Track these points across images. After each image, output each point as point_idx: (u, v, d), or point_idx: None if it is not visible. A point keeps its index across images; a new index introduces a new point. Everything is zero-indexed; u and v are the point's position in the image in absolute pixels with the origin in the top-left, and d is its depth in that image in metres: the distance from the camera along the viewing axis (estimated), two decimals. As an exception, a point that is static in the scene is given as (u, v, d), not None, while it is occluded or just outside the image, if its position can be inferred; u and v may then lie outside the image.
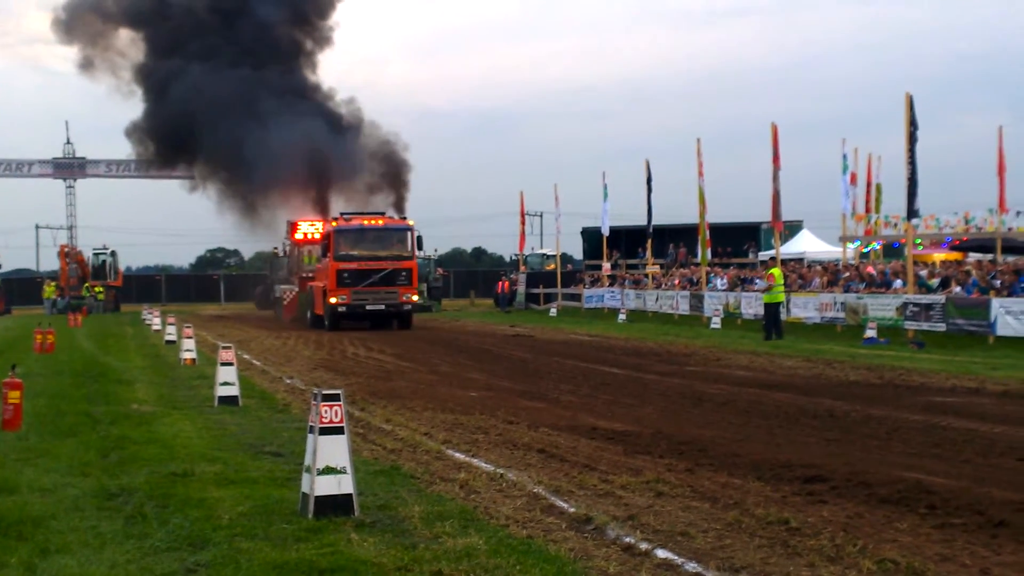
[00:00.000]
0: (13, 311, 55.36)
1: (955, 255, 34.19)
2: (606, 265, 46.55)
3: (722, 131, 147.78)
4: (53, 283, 57.68)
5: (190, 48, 47.07)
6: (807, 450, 10.11)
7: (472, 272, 75.80)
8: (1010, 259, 29.40)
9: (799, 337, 26.04)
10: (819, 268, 34.88)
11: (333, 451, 7.13)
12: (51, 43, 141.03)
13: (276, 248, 49.12)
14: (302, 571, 6.01)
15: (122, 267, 61.38)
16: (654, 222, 41.52)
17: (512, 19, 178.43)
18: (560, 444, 10.56)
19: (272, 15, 47.90)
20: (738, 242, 47.24)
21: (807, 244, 45.01)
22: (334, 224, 33.99)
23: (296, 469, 8.26)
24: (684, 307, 36.30)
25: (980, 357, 20.04)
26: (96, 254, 59.21)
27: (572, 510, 7.51)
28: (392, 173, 44.06)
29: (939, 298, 24.69)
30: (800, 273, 33.63)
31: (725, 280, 36.51)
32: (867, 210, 37.59)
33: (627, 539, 6.67)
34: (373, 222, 34.26)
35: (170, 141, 48.91)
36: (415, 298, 34.48)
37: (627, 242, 50.70)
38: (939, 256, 34.45)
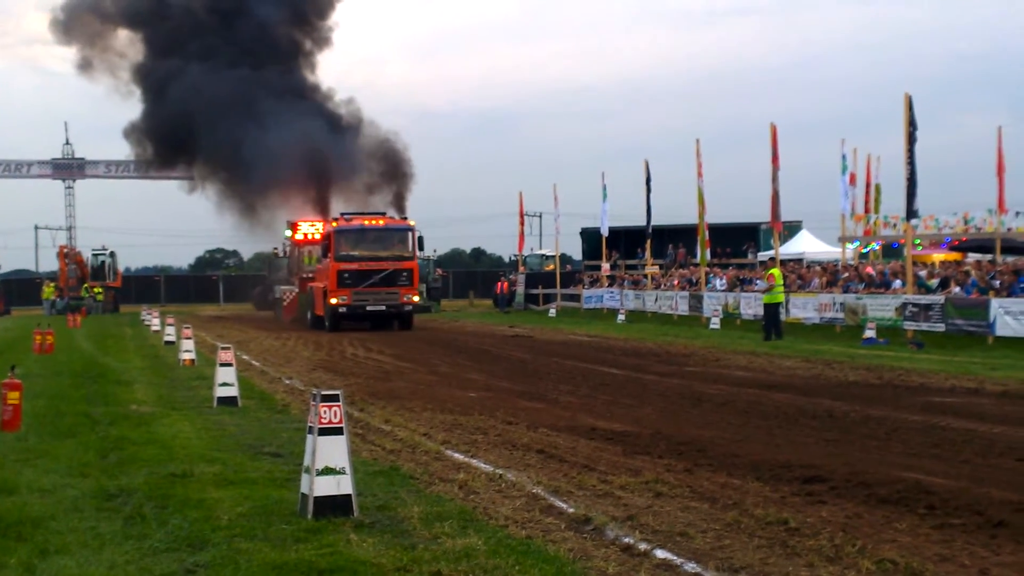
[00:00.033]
0: (12, 312, 55.37)
1: (954, 255, 34.20)
2: (605, 265, 46.54)
3: (721, 131, 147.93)
4: (52, 284, 57.67)
5: (189, 48, 47.02)
6: (806, 450, 10.11)
7: (471, 272, 75.79)
8: (1009, 259, 29.42)
9: (798, 337, 26.05)
10: (818, 268, 34.90)
11: (332, 452, 7.13)
12: (50, 44, 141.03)
13: (276, 248, 49.10)
14: (301, 571, 6.01)
15: (121, 268, 61.39)
16: (653, 222, 41.49)
17: (512, 19, 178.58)
18: (559, 444, 10.56)
19: (271, 15, 47.85)
20: (737, 242, 47.26)
21: (806, 244, 45.03)
22: (334, 224, 33.85)
23: (295, 470, 8.26)
24: (683, 307, 36.30)
25: (979, 357, 20.05)
26: (95, 255, 59.23)
27: (571, 510, 7.51)
28: (392, 171, 43.94)
29: (938, 298, 24.70)
30: (799, 273, 33.63)
31: (724, 280, 36.51)
32: (866, 210, 37.61)
33: (626, 539, 6.68)
34: (374, 222, 34.09)
35: (169, 141, 48.86)
36: (416, 299, 34.31)
37: (626, 242, 50.69)
38: (938, 256, 34.46)
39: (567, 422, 12.26)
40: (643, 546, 6.51)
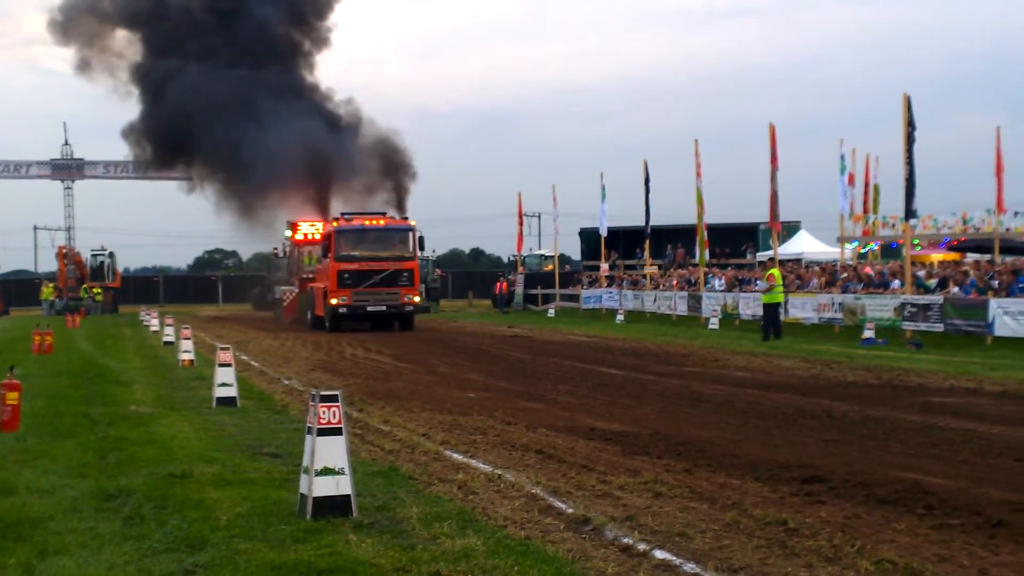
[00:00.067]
0: (11, 312, 55.35)
1: (953, 255, 34.21)
2: (604, 266, 46.55)
3: (720, 132, 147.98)
4: (51, 284, 57.65)
5: (187, 48, 46.95)
6: (805, 450, 10.12)
7: (470, 273, 75.80)
8: (1008, 259, 29.45)
9: (797, 338, 26.06)
10: (817, 269, 34.91)
11: (331, 452, 7.12)
12: (49, 44, 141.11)
13: (276, 249, 49.09)
14: (300, 572, 6.01)
15: (120, 268, 61.40)
16: (652, 223, 41.50)
17: (511, 19, 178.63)
18: (558, 445, 10.56)
19: (270, 15, 47.81)
20: (736, 243, 47.29)
21: (805, 245, 45.05)
22: (335, 224, 33.72)
23: (294, 470, 8.26)
24: (682, 308, 36.31)
25: (978, 357, 20.05)
26: (94, 255, 59.22)
27: (570, 511, 7.51)
28: (393, 170, 43.81)
29: (937, 299, 24.71)
30: (798, 274, 33.64)
31: (723, 281, 36.52)
32: (865, 211, 37.61)
33: (625, 540, 6.68)
34: (374, 222, 33.93)
35: (167, 142, 48.81)
36: (417, 299, 34.11)
37: (625, 243, 50.71)
38: (937, 256, 34.47)
39: (566, 422, 12.26)
40: (642, 546, 6.51)
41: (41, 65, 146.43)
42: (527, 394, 15.51)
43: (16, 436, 10.93)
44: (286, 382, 17.42)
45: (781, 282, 27.18)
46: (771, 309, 26.39)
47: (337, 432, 7.14)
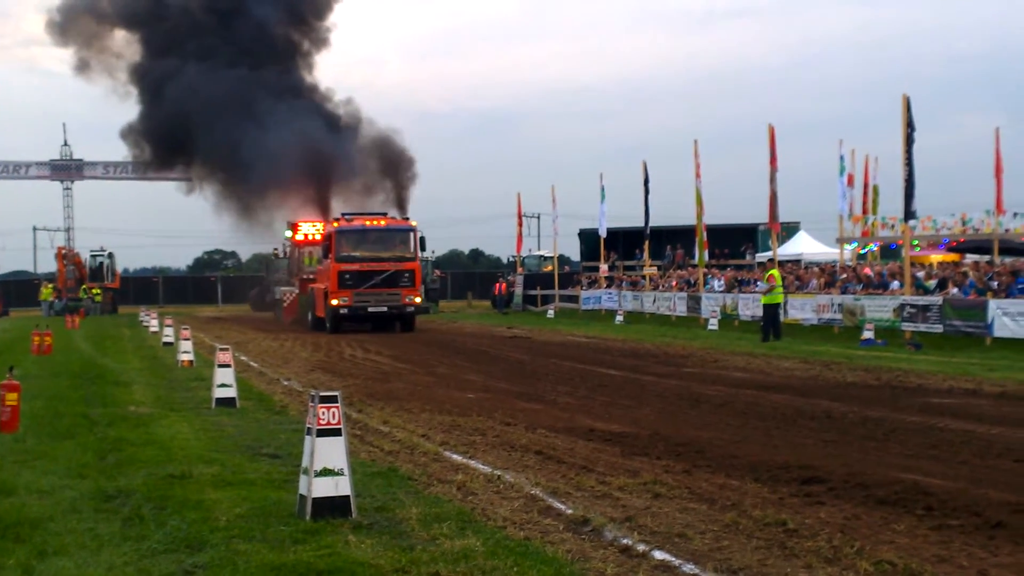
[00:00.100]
0: (11, 313, 55.34)
1: (952, 256, 34.23)
2: (603, 267, 46.55)
3: (719, 132, 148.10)
4: (51, 285, 57.63)
5: (186, 48, 46.91)
6: (804, 451, 10.12)
7: (469, 274, 75.81)
8: (1007, 260, 29.45)
9: (796, 338, 26.06)
10: (816, 269, 34.92)
11: (330, 453, 7.12)
12: (48, 45, 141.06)
13: (276, 249, 49.07)
14: (299, 573, 6.01)
15: (119, 269, 61.40)
16: (652, 223, 41.50)
17: (510, 20, 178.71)
18: (557, 446, 10.56)
19: (269, 15, 47.79)
20: (735, 244, 47.30)
21: (804, 245, 45.05)
22: (335, 225, 33.55)
23: (293, 471, 8.25)
24: (681, 308, 36.31)
25: (977, 358, 20.06)
26: (93, 256, 59.22)
27: (569, 511, 7.51)
28: (394, 169, 43.67)
29: (936, 299, 24.71)
30: (797, 274, 33.64)
31: (722, 281, 36.51)
32: (864, 211, 37.64)
33: (625, 540, 6.68)
34: (375, 223, 33.75)
35: (166, 142, 48.74)
36: (418, 300, 33.88)
37: (624, 243, 50.71)
38: (936, 257, 34.48)
39: (565, 423, 12.26)
40: (641, 547, 6.51)
41: (40, 66, 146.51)
42: (526, 395, 15.50)
43: (15, 437, 10.93)
44: (285, 383, 17.42)
45: (781, 283, 27.20)
46: (771, 310, 26.40)
47: (336, 433, 7.13)
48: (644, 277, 42.84)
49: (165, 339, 27.14)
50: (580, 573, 6.04)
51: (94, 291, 55.89)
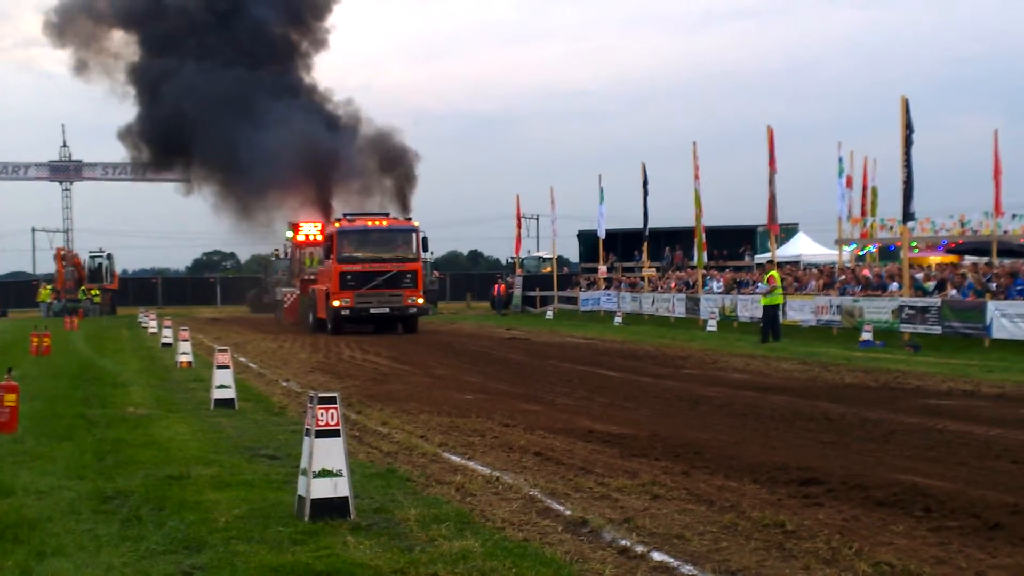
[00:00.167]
0: (9, 314, 55.34)
1: (951, 258, 34.21)
2: (602, 268, 46.55)
3: (718, 133, 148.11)
4: (49, 286, 57.62)
5: (184, 49, 46.88)
6: (803, 453, 10.12)
7: (468, 275, 75.84)
8: (1006, 262, 29.42)
9: (795, 340, 26.08)
10: (815, 271, 34.91)
11: (329, 454, 7.12)
12: (47, 46, 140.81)
13: (277, 250, 49.03)
14: (298, 574, 6.01)
15: (118, 270, 61.48)
16: (650, 225, 41.52)
17: (509, 21, 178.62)
18: (556, 447, 10.56)
19: (267, 16, 47.76)
20: (734, 245, 47.30)
21: (803, 247, 45.04)
22: (337, 225, 33.37)
23: (292, 472, 8.25)
24: (680, 310, 36.31)
25: (976, 360, 20.07)
26: (92, 257, 59.22)
27: (568, 513, 7.51)
28: (395, 169, 43.53)
29: (935, 301, 24.72)
30: (796, 276, 33.65)
31: (721, 283, 36.52)
32: (863, 213, 37.64)
33: (623, 542, 6.68)
34: (377, 223, 33.55)
35: (165, 143, 48.62)
36: (420, 301, 33.55)
37: (623, 245, 50.72)
38: (935, 259, 34.47)
39: (564, 424, 12.26)
40: (640, 548, 6.51)
41: (39, 67, 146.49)
42: (525, 396, 15.51)
43: (14, 438, 10.92)
44: (284, 384, 17.42)
45: (781, 284, 27.21)
46: (771, 311, 26.42)
47: (335, 434, 7.13)
48: (643, 278, 42.85)
49: (164, 340, 27.13)
50: (578, 574, 6.04)
51: (93, 292, 55.88)
